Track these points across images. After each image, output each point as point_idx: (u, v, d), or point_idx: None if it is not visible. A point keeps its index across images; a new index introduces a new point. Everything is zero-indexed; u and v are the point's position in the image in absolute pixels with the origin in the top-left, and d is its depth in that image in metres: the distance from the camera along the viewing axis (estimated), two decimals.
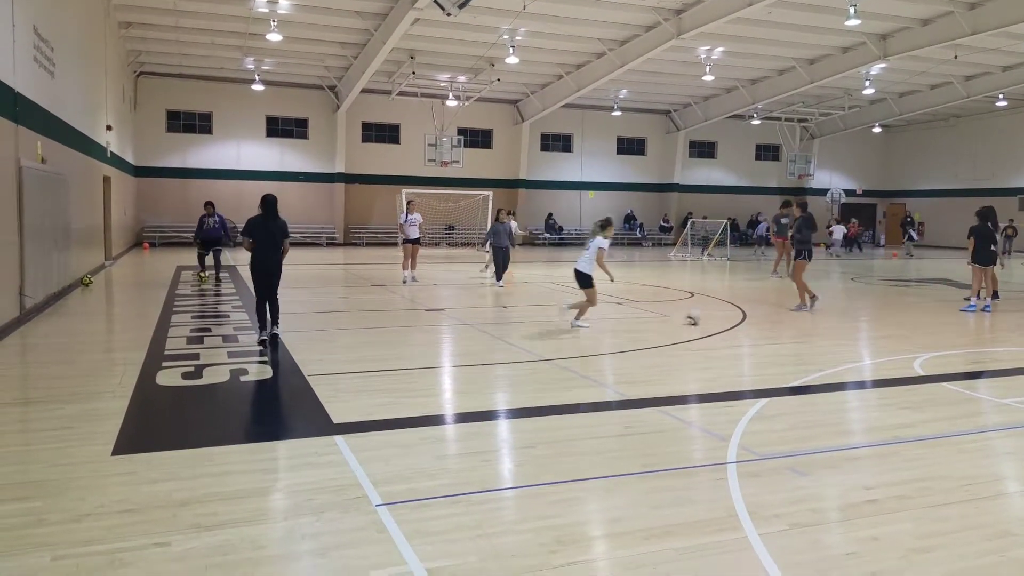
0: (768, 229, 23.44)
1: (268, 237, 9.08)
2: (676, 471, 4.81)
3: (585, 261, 10.70)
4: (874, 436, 5.65)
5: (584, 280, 10.76)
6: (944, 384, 7.42)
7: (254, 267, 9.11)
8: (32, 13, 11.23)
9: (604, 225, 10.79)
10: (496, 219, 16.34)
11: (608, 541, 3.82)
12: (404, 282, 16.54)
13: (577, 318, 10.76)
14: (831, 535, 3.89)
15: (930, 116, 36.91)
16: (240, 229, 9.70)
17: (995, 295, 13.93)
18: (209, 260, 15.97)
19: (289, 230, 9.49)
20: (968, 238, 13.25)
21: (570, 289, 15.99)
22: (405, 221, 16.94)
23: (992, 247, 13.22)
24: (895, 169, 41.93)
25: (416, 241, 17.00)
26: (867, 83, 29.48)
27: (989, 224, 13.25)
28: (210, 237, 15.77)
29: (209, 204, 16.15)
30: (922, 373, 7.91)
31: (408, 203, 17.50)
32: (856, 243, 34.47)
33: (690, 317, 11.16)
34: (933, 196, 39.12)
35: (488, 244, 17.69)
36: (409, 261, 16.88)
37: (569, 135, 36.94)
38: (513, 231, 16.62)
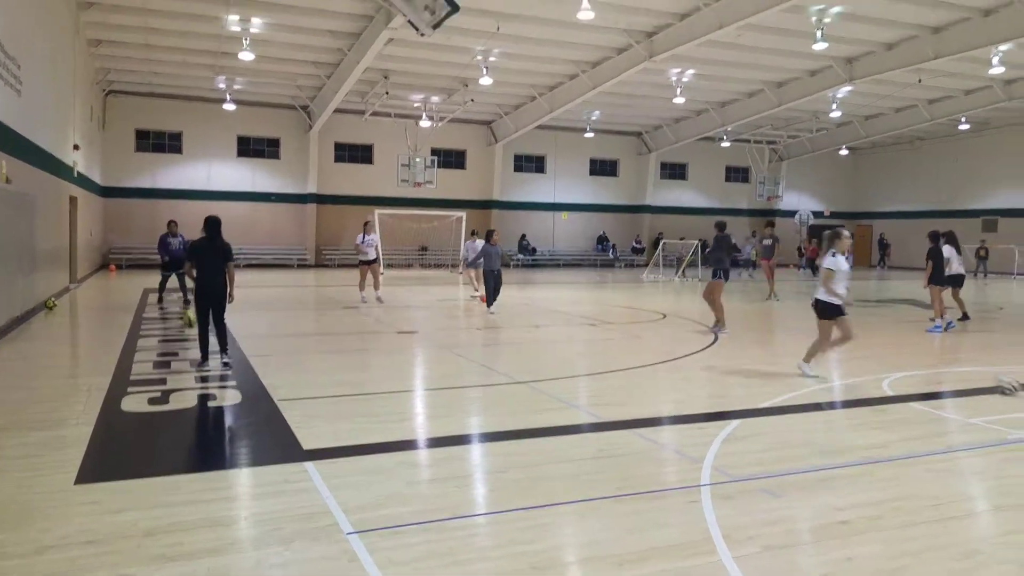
0: (752, 251, 23.12)
1: (212, 260, 8.76)
2: (650, 494, 4.79)
3: (823, 288, 8.73)
4: (846, 457, 5.68)
5: (825, 310, 8.69)
6: (912, 404, 7.50)
7: (198, 292, 8.85)
8: None
9: (833, 238, 8.69)
10: (487, 240, 15.41)
11: (583, 567, 3.79)
12: (363, 302, 16.49)
13: (807, 360, 8.90)
14: (805, 557, 3.90)
15: (895, 139, 37.69)
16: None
17: (965, 316, 14.20)
18: (173, 282, 15.64)
19: (234, 253, 9.11)
20: (927, 261, 13.50)
21: (541, 310, 16.00)
22: (362, 242, 16.90)
23: (948, 268, 13.48)
24: (862, 191, 42.69)
25: (373, 262, 16.96)
26: (834, 106, 30.06)
27: (943, 246, 13.50)
28: (175, 258, 15.33)
29: (172, 223, 15.73)
30: (891, 393, 7.99)
31: (365, 223, 17.49)
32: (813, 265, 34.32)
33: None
34: (898, 218, 39.84)
35: (462, 267, 17.59)
36: (364, 282, 16.86)
37: (542, 156, 37.15)
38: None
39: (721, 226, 13.54)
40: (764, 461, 5.48)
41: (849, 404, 7.62)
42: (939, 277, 13.38)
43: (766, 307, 17.87)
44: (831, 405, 7.65)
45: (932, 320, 13.56)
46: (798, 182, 41.35)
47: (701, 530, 4.18)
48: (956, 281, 13.94)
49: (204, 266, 8.77)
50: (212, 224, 8.90)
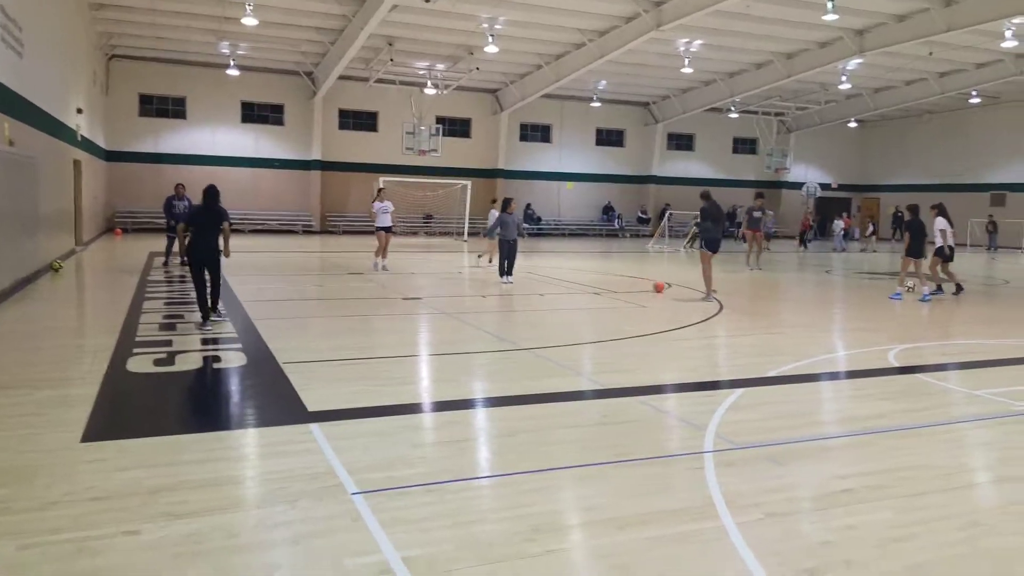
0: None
1: (208, 227, 9.06)
2: (653, 460, 4.80)
3: None
4: (850, 426, 5.69)
5: None
6: (918, 375, 7.49)
7: (191, 255, 9.08)
8: None
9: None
10: (503, 209, 15.12)
11: (584, 530, 3.81)
12: (375, 267, 16.49)
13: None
14: (807, 524, 3.90)
15: (905, 112, 37.31)
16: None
17: (959, 288, 14.26)
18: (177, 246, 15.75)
19: (236, 218, 9.41)
20: (905, 232, 13.95)
21: (548, 278, 15.98)
22: (377, 208, 16.80)
23: (943, 240, 13.97)
24: (870, 164, 42.37)
25: (388, 229, 16.86)
26: (843, 78, 29.71)
27: (935, 217, 14.06)
28: (181, 220, 15.43)
29: (179, 186, 16.12)
30: (896, 364, 7.98)
31: (379, 190, 17.35)
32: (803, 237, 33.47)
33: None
34: (907, 191, 39.48)
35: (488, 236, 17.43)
36: (382, 249, 16.76)
37: (548, 125, 36.87)
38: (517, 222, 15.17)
39: (706, 195, 13.48)
40: (768, 429, 5.48)
41: (854, 375, 7.61)
42: (917, 249, 13.65)
43: (770, 278, 17.83)
44: (836, 375, 7.64)
45: (907, 288, 14.05)
46: (806, 154, 41.06)
47: (703, 496, 4.19)
48: (947, 254, 14.15)
49: (199, 231, 9.02)
50: (211, 194, 9.18)
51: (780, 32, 24.90)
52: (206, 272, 9.02)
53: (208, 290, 9.06)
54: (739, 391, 6.55)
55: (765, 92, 32.21)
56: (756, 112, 37.22)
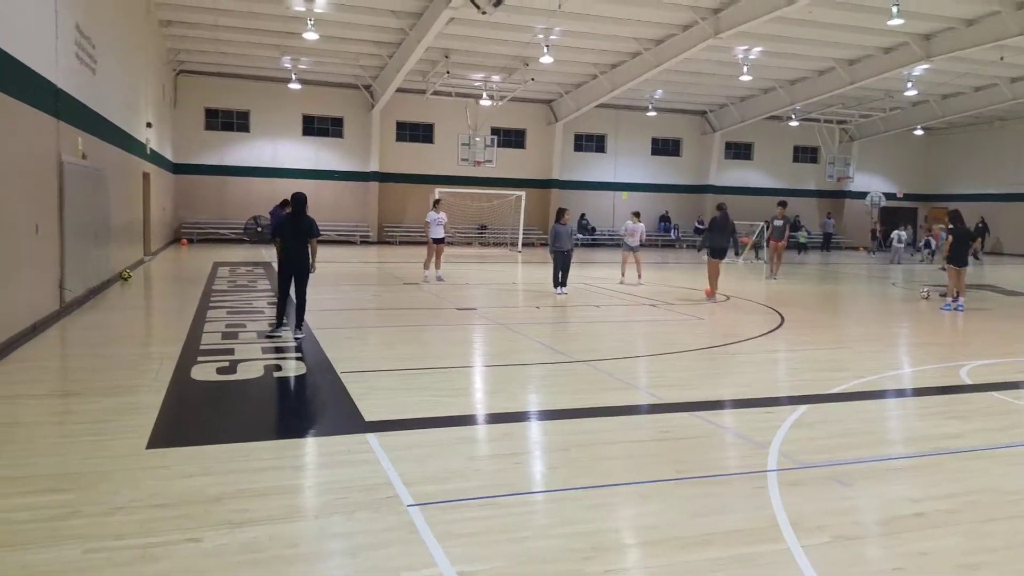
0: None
1: (296, 236, 9.16)
2: (714, 478, 4.69)
3: None
4: (919, 446, 5.47)
5: None
6: (992, 393, 7.17)
7: (282, 264, 9.25)
8: (75, 10, 11.40)
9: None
10: (557, 220, 14.91)
11: (644, 549, 3.72)
12: (426, 280, 16.50)
13: None
14: (876, 549, 3.75)
15: (974, 119, 36.03)
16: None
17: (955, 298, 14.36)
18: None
19: (319, 229, 9.52)
20: (949, 239, 14.03)
21: (603, 290, 15.86)
22: (431, 220, 16.77)
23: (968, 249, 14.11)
24: (936, 172, 41.03)
25: (441, 240, 16.92)
26: (909, 84, 28.82)
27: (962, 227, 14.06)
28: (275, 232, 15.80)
29: (286, 202, 16.30)
30: (969, 382, 7.67)
31: (435, 202, 17.41)
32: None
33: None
34: (975, 200, 38.12)
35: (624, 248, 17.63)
36: (430, 260, 16.83)
37: (603, 135, 36.71)
38: (572, 232, 15.17)
39: (721, 207, 14.82)
40: (833, 448, 5.30)
41: (924, 392, 7.33)
42: (960, 258, 13.66)
43: (828, 290, 17.37)
44: (904, 392, 7.37)
45: (943, 297, 14.19)
46: (869, 163, 39.98)
47: (767, 516, 4.07)
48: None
49: (289, 240, 9.17)
50: (297, 200, 9.33)
51: (843, 38, 24.31)
52: (293, 284, 9.23)
53: (296, 304, 9.28)
54: (802, 408, 6.37)
55: (827, 99, 31.46)
56: (818, 120, 36.41)
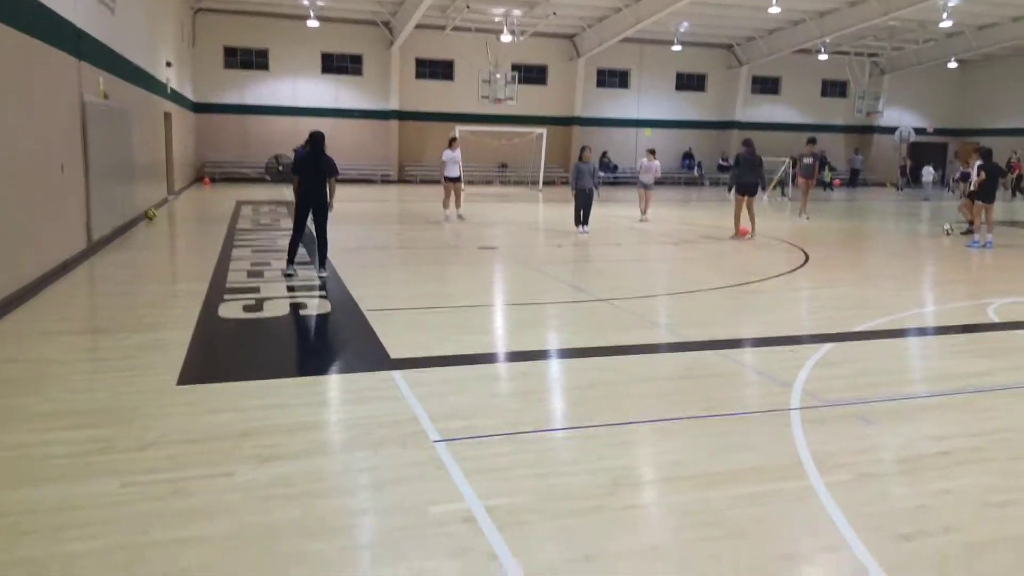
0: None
1: (315, 174, 9.13)
2: (737, 416, 4.70)
3: None
4: (945, 385, 5.43)
5: None
6: (1020, 332, 7.08)
7: (299, 200, 9.25)
8: None
9: None
10: (579, 158, 14.96)
11: (667, 485, 3.76)
12: (446, 219, 16.50)
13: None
14: (900, 487, 3.75)
15: (1011, 50, 34.74)
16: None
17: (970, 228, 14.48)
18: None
19: (338, 167, 9.47)
20: (978, 174, 13.72)
21: (622, 228, 15.74)
22: (446, 158, 16.65)
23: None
24: (969, 106, 39.82)
25: (456, 179, 16.82)
26: (944, 15, 27.75)
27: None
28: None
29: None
30: (997, 320, 7.57)
31: (451, 140, 17.22)
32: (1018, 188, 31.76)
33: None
34: (1009, 135, 37.08)
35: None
36: (448, 199, 16.76)
37: (626, 71, 35.92)
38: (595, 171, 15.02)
39: (747, 142, 14.53)
40: (858, 387, 5.28)
41: (950, 330, 7.25)
42: (989, 194, 13.50)
43: (854, 228, 17.11)
44: (931, 331, 7.30)
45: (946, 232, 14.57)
46: (900, 97, 38.85)
47: (790, 454, 4.08)
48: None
49: (307, 178, 9.13)
50: (315, 139, 9.25)
51: None
52: (311, 220, 9.23)
53: (316, 243, 9.34)
54: (827, 346, 6.33)
55: (858, 32, 30.44)
56: (848, 53, 35.31)
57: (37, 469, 3.75)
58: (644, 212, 17.76)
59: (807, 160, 19.24)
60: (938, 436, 4.40)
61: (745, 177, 14.25)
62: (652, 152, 18.26)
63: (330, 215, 9.43)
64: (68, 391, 4.93)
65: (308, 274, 9.28)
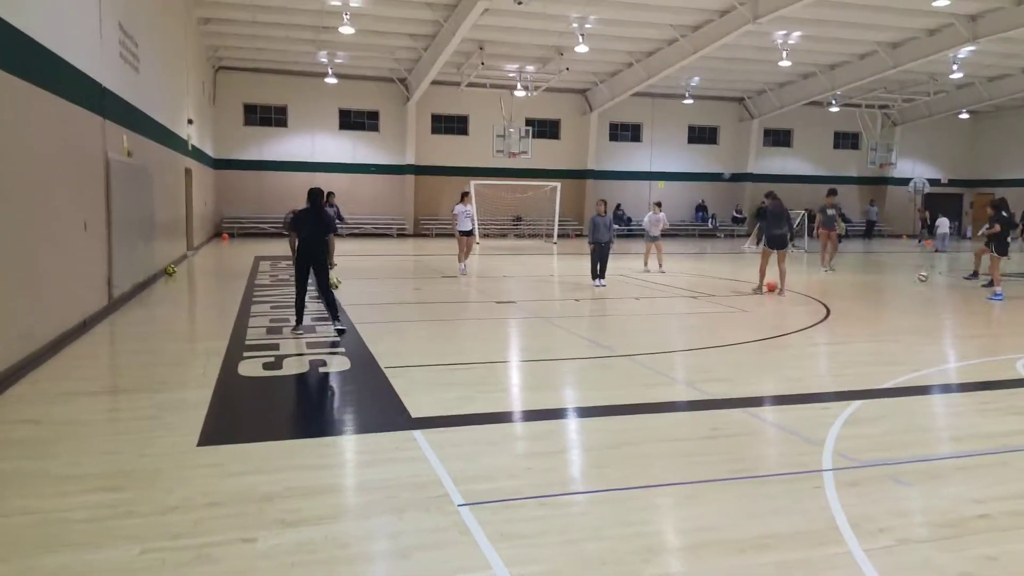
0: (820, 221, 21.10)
1: (314, 229, 9.07)
2: (769, 478, 4.59)
3: None
4: (980, 444, 5.30)
5: None
6: None
7: (297, 260, 9.16)
8: (117, 9, 11.55)
9: None
10: (596, 212, 15.03)
11: (702, 551, 3.64)
12: (461, 272, 16.62)
13: None
14: (943, 553, 3.63)
15: (1021, 101, 34.98)
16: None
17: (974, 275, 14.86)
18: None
19: (336, 224, 9.49)
20: (992, 226, 13.99)
21: (642, 281, 15.71)
22: (458, 212, 16.90)
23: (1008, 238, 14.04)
24: (982, 157, 39.93)
25: (469, 233, 17.02)
26: (954, 67, 28.04)
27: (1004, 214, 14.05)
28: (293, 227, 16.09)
29: (331, 194, 16.47)
30: None
31: (463, 194, 17.48)
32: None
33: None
34: (1023, 186, 37.09)
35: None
36: (463, 253, 16.97)
37: (638, 124, 36.36)
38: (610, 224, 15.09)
39: (771, 195, 14.28)
40: (890, 446, 5.16)
41: (980, 386, 7.11)
42: (1004, 247, 13.85)
43: (872, 280, 17.00)
44: (960, 387, 7.16)
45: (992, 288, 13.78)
46: (913, 148, 39.04)
47: (826, 518, 3.97)
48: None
49: (306, 234, 9.08)
50: (313, 196, 9.28)
51: (885, 20, 23.72)
52: (312, 277, 9.19)
53: (323, 301, 9.34)
54: (856, 403, 6.21)
55: (869, 84, 30.76)
56: (859, 105, 35.62)
57: (57, 534, 3.70)
58: (660, 265, 17.82)
59: (830, 211, 18.97)
60: (977, 499, 4.27)
61: (774, 230, 13.80)
62: (658, 205, 18.48)
63: (342, 272, 9.39)
64: (90, 453, 4.90)
65: (326, 330, 9.27)
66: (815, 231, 21.01)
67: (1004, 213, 13.98)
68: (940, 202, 37.72)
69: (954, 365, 8.15)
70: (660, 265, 17.90)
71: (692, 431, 5.57)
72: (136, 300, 11.84)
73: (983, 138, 39.75)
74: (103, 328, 9.52)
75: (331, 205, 16.04)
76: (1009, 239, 14.11)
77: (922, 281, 15.70)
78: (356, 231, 30.37)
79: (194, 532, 3.74)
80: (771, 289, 13.82)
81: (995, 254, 13.81)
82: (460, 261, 17.02)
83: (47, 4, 8.15)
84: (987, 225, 14.29)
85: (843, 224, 32.74)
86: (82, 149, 9.56)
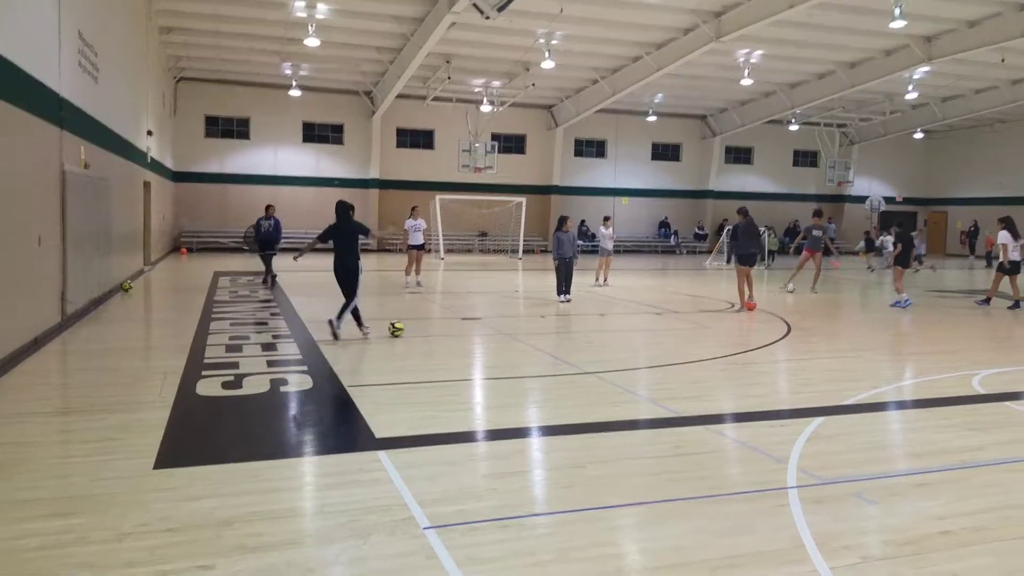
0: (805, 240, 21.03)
1: (343, 241, 9.87)
2: (734, 496, 4.59)
3: None
4: (942, 460, 5.37)
5: None
6: (1008, 404, 7.09)
7: (335, 271, 9.98)
8: (77, 18, 11.32)
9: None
10: (558, 228, 14.87)
11: (672, 572, 3.62)
12: (406, 286, 16.64)
13: None
14: (907, 569, 3.65)
15: (974, 121, 36.05)
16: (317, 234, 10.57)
17: (1016, 303, 14.94)
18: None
19: (367, 227, 10.47)
20: (895, 244, 15.57)
21: (606, 297, 15.78)
22: (408, 226, 17.09)
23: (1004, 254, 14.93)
24: (937, 176, 41.02)
25: (420, 247, 17.23)
26: (910, 87, 28.82)
27: (1000, 231, 15.00)
28: (265, 240, 16.21)
29: (269, 207, 16.72)
30: (983, 391, 7.57)
31: (412, 208, 17.70)
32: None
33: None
34: (975, 204, 38.15)
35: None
36: (411, 266, 17.16)
37: (603, 140, 36.68)
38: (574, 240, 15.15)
39: (742, 211, 14.34)
40: (853, 463, 5.21)
41: (939, 403, 7.23)
42: (904, 259, 15.33)
43: (832, 299, 17.30)
44: (919, 403, 7.28)
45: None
46: (870, 166, 39.96)
47: (792, 536, 3.97)
48: (1006, 267, 14.89)
49: (338, 248, 9.95)
50: (340, 209, 10.10)
51: (843, 41, 24.31)
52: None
53: (345, 301, 9.92)
54: (817, 420, 6.27)
55: (827, 103, 31.48)
56: (818, 124, 36.40)
57: (7, 563, 3.55)
58: (607, 279, 18.31)
59: (816, 232, 18.06)
60: (939, 516, 4.32)
61: (745, 247, 13.99)
62: (608, 219, 19.31)
63: (288, 282, 9.68)
64: (42, 477, 4.72)
65: (287, 347, 9.12)
66: (792, 248, 21.04)
67: (907, 232, 15.79)
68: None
69: (914, 381, 8.28)
70: (606, 279, 18.39)
71: (657, 449, 5.57)
72: (91, 317, 11.54)
73: (937, 157, 40.83)
74: (56, 346, 9.25)
75: (269, 218, 16.08)
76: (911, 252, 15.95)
77: (791, 292, 16.77)
78: (318, 246, 29.99)
79: (150, 560, 3.61)
80: (750, 308, 13.69)
81: (897, 267, 15.33)
82: (407, 274, 17.15)
83: (0, 8, 7.94)
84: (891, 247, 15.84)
85: (775, 240, 32.12)
86: (37, 161, 9.31)
